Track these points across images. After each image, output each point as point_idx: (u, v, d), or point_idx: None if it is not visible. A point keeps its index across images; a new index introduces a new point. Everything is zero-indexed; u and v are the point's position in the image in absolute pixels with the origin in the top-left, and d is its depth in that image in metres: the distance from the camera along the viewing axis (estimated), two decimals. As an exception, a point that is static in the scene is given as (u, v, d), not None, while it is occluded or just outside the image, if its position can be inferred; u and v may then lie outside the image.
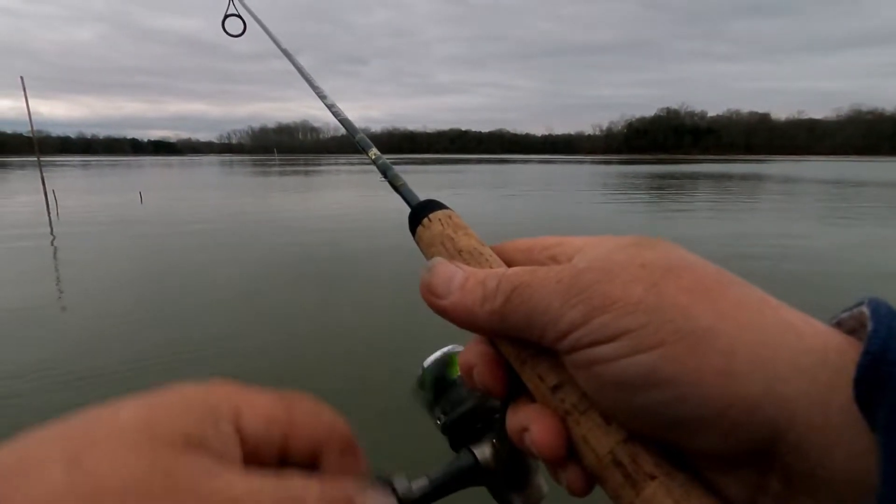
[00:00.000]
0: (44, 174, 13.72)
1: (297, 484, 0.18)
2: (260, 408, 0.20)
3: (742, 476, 0.18)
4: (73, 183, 26.48)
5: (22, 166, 58.31)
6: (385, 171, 0.41)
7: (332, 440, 0.21)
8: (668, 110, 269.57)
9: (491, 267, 0.26)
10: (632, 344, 0.19)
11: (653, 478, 0.19)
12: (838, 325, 0.19)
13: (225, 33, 1.12)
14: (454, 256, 0.27)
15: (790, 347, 0.17)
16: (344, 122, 0.54)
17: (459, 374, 0.36)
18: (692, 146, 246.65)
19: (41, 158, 14.95)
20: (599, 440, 0.20)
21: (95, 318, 4.70)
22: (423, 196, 0.34)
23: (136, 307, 5.05)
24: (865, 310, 0.18)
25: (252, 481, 0.17)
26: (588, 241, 0.24)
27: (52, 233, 9.61)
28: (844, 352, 0.17)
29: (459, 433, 0.37)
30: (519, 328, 0.22)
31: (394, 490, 0.25)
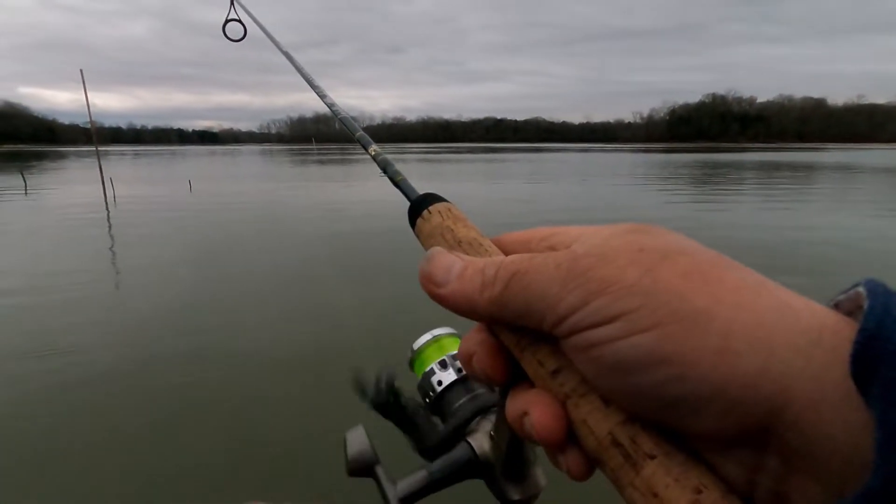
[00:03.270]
0: (101, 163, 14.46)
1: None
2: None
3: (740, 455, 0.18)
4: (127, 172, 27.73)
5: (78, 156, 61.59)
6: (385, 167, 0.42)
7: None
8: (714, 96, 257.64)
9: (490, 257, 0.26)
10: (628, 326, 0.19)
11: (652, 457, 0.19)
12: (836, 306, 0.19)
13: (226, 38, 1.14)
14: (454, 247, 0.28)
15: (786, 327, 0.18)
16: (344, 120, 0.55)
17: (446, 357, 0.40)
18: (739, 134, 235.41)
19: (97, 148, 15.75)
20: (599, 422, 0.21)
21: (149, 300, 4.96)
22: (421, 189, 0.35)
23: (189, 290, 5.29)
24: (862, 290, 0.18)
25: None
26: (586, 230, 0.24)
27: (109, 219, 10.15)
28: (840, 331, 0.17)
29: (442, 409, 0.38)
30: (518, 314, 0.22)
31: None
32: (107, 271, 6.23)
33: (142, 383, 3.27)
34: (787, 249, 6.90)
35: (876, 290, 0.17)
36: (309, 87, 0.69)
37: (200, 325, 4.35)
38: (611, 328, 0.19)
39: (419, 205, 0.32)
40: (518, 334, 0.23)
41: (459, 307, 0.24)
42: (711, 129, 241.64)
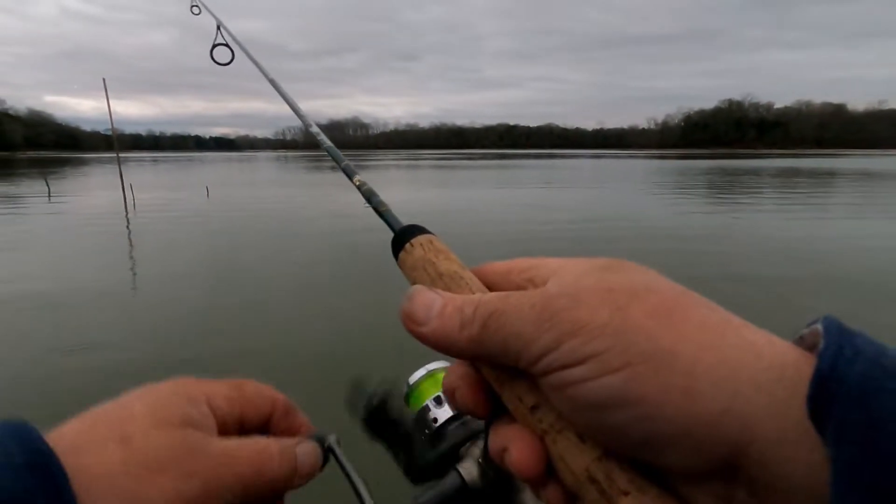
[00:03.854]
0: (121, 170, 14.77)
1: (262, 441, 0.28)
2: (221, 392, 0.29)
3: (711, 489, 0.19)
4: (146, 178, 28.33)
5: (100, 162, 63.02)
6: (370, 198, 0.42)
7: (277, 407, 0.31)
8: (731, 102, 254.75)
9: (471, 290, 0.27)
10: (599, 366, 0.20)
11: (626, 493, 0.20)
12: (801, 339, 0.20)
13: (213, 62, 1.17)
14: (435, 281, 0.28)
15: (750, 365, 0.18)
16: (329, 149, 0.56)
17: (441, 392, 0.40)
18: (756, 140, 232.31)
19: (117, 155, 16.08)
20: (575, 458, 0.21)
21: (166, 301, 5.02)
22: (405, 221, 0.35)
23: (205, 292, 5.36)
24: (819, 327, 0.18)
25: (234, 441, 0.27)
26: (563, 264, 0.25)
27: (129, 224, 10.33)
28: (800, 368, 0.18)
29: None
30: (496, 353, 0.23)
31: (325, 445, 0.30)
32: (126, 274, 6.32)
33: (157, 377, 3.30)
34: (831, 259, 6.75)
35: (830, 328, 0.18)
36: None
37: (215, 324, 4.41)
38: (582, 369, 0.20)
39: (402, 237, 0.32)
40: (498, 370, 0.24)
41: (440, 346, 0.25)
42: (727, 135, 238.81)
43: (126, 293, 5.51)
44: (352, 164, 0.49)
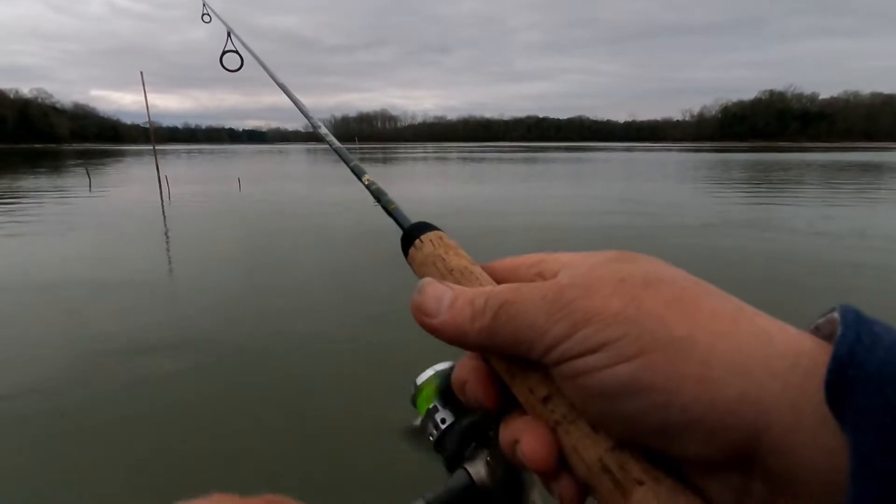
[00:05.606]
0: (158, 163, 15.10)
1: None
2: None
3: (726, 479, 0.19)
4: (181, 171, 29.12)
5: (138, 154, 65.36)
6: (379, 197, 0.42)
7: None
8: (772, 93, 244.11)
9: (481, 285, 0.27)
10: (612, 355, 0.19)
11: (641, 483, 0.19)
12: (817, 329, 0.20)
13: (223, 69, 1.18)
14: (445, 276, 0.28)
15: (764, 353, 0.18)
16: (338, 150, 0.56)
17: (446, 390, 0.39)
18: (799, 133, 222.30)
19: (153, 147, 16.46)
20: (588, 449, 0.21)
21: (200, 290, 5.04)
22: (414, 219, 0.35)
23: (237, 282, 5.42)
24: (836, 315, 0.18)
25: None
26: (572, 258, 0.25)
27: (164, 215, 10.52)
28: (816, 356, 0.17)
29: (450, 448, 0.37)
30: (507, 344, 0.23)
31: None
32: (162, 264, 6.43)
33: (193, 360, 3.30)
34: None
35: (848, 316, 0.18)
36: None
37: (245, 309, 4.47)
38: (596, 357, 0.20)
39: (412, 233, 0.32)
40: (509, 362, 0.24)
41: (451, 337, 0.24)
42: (768, 127, 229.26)
43: (163, 280, 5.63)
44: (360, 164, 0.49)
